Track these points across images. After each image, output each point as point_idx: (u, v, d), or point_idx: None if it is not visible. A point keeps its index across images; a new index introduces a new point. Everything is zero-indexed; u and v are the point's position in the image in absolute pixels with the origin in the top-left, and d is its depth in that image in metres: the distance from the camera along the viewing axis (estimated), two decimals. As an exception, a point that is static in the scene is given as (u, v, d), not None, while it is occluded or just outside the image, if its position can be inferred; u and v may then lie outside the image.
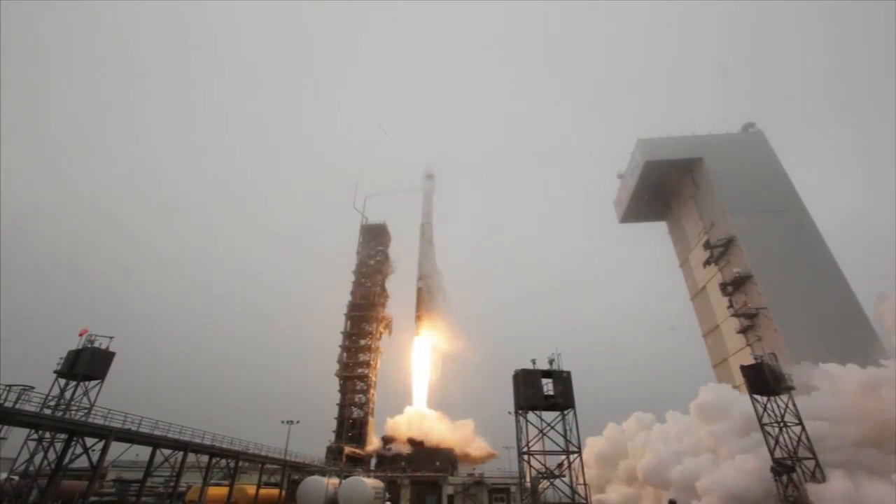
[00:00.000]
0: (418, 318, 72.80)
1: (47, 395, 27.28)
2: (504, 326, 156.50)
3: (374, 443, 64.82)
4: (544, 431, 29.85)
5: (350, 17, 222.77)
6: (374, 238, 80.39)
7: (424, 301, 73.08)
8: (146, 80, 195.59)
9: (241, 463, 36.36)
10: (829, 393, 35.42)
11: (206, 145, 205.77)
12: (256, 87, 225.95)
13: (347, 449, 59.13)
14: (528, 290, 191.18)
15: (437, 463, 52.36)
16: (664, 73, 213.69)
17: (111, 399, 29.78)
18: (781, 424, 31.09)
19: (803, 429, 30.55)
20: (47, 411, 26.20)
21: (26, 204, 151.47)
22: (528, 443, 29.49)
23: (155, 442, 28.74)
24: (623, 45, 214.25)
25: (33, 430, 25.78)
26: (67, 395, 29.72)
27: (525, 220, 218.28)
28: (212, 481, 34.82)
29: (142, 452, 29.86)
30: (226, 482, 37.75)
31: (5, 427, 23.24)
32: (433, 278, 74.92)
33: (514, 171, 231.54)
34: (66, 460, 24.86)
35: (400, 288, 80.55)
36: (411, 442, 59.61)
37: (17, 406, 22.97)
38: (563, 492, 28.18)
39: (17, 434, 25.49)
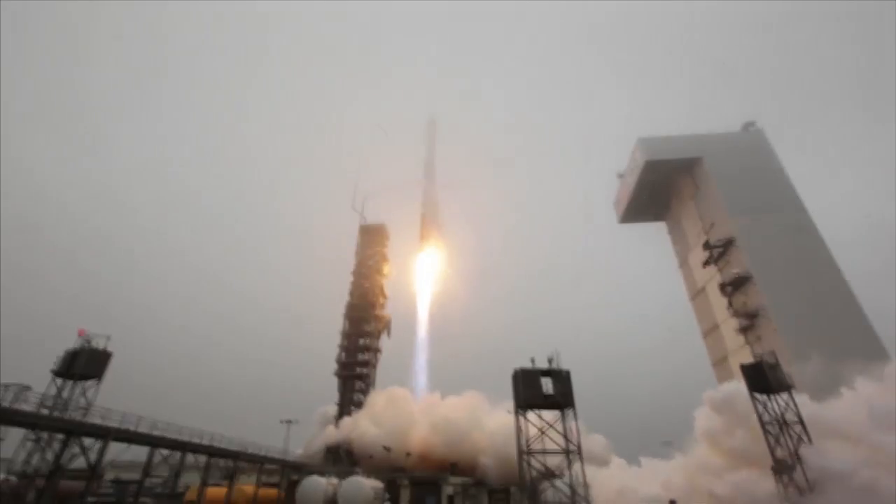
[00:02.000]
0: (421, 238, 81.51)
1: (44, 395, 27.19)
2: (503, 325, 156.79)
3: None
4: (544, 431, 29.79)
5: (350, 16, 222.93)
6: (373, 238, 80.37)
7: (427, 225, 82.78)
8: (149, 80, 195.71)
9: (239, 463, 36.26)
10: None
11: (205, 145, 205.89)
12: (255, 87, 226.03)
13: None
14: (527, 289, 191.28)
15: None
16: (664, 73, 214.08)
17: (109, 399, 29.73)
18: (782, 423, 31.00)
19: (804, 428, 30.49)
20: (45, 411, 26.11)
21: (25, 203, 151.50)
22: (527, 442, 29.44)
23: (153, 442, 28.65)
24: (623, 45, 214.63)
25: (30, 430, 25.67)
26: (65, 394, 29.67)
27: (523, 218, 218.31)
28: (210, 481, 34.70)
29: (140, 452, 29.75)
30: (224, 482, 37.63)
31: (2, 427, 23.14)
32: (435, 210, 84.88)
33: (513, 169, 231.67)
34: (64, 461, 24.74)
35: (399, 289, 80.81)
36: (452, 468, 47.79)
37: (14, 406, 22.86)
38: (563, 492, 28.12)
39: (15, 434, 25.40)
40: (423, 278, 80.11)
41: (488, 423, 50.83)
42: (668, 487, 38.09)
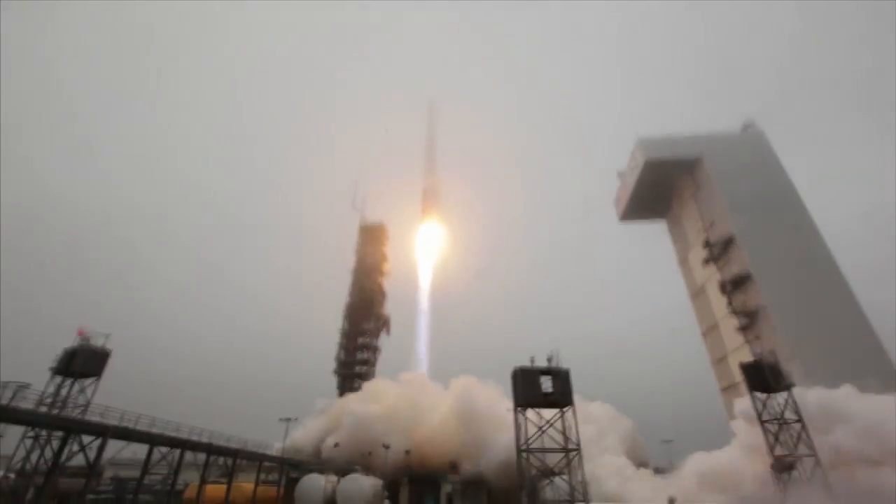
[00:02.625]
0: (423, 211, 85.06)
1: (43, 393, 27.17)
2: (501, 324, 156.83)
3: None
4: (543, 429, 29.79)
5: (350, 15, 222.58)
6: (373, 237, 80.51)
7: (428, 201, 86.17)
8: (142, 80, 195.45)
9: (238, 461, 36.21)
10: None
11: (203, 143, 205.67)
12: (255, 86, 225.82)
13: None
14: (526, 285, 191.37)
15: None
16: (664, 72, 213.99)
17: (108, 397, 29.71)
18: (781, 421, 30.99)
19: (803, 426, 30.48)
20: (43, 409, 26.08)
21: (25, 199, 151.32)
22: (527, 440, 29.42)
23: (152, 440, 28.59)
24: (623, 44, 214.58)
25: (29, 428, 25.64)
26: (64, 392, 29.64)
27: (523, 214, 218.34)
28: (209, 479, 34.68)
29: (139, 450, 29.69)
30: (223, 480, 37.60)
31: (1, 424, 23.11)
32: (435, 189, 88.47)
33: (513, 168, 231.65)
34: (63, 458, 24.70)
35: (398, 288, 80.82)
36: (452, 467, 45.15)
37: (13, 404, 22.82)
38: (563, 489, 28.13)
39: (14, 432, 25.37)
40: (424, 251, 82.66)
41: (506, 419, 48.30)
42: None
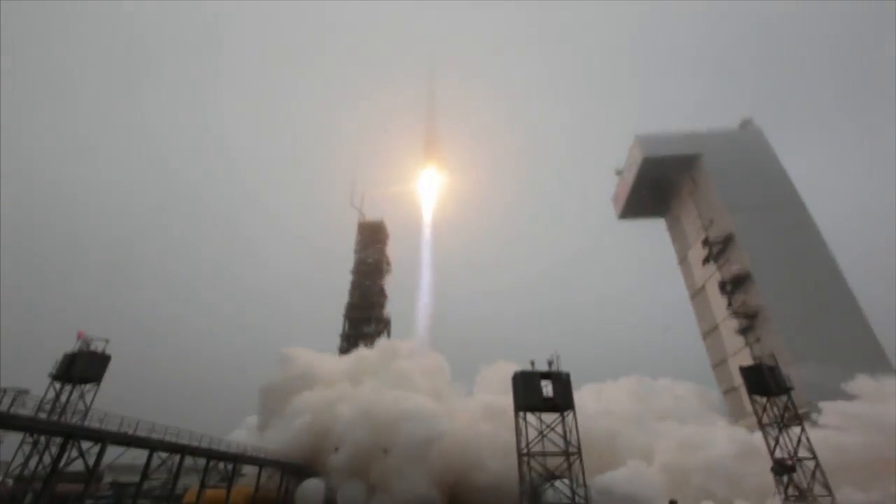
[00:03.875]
0: (426, 157, 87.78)
1: (42, 399, 27.03)
2: (500, 324, 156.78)
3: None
4: (544, 433, 29.75)
5: (349, 14, 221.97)
6: (372, 236, 79.63)
7: (429, 146, 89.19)
8: (141, 79, 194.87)
9: (238, 465, 36.07)
10: None
11: (202, 143, 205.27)
12: (253, 86, 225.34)
13: None
14: (526, 287, 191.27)
15: None
16: (662, 70, 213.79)
17: (107, 402, 29.54)
18: (781, 425, 30.96)
19: (803, 429, 30.46)
20: (42, 415, 25.94)
21: (24, 203, 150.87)
22: (527, 444, 29.39)
23: (151, 445, 28.45)
24: (622, 42, 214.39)
25: (28, 434, 25.52)
26: (63, 398, 29.47)
27: (522, 216, 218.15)
28: (209, 484, 34.56)
29: (138, 455, 29.57)
30: (223, 485, 37.44)
31: (0, 431, 22.99)
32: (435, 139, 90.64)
33: (512, 167, 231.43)
34: (62, 464, 24.59)
35: (399, 288, 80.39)
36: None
37: (12, 410, 22.70)
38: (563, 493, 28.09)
39: (13, 438, 25.27)
40: (427, 196, 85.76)
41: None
42: None
